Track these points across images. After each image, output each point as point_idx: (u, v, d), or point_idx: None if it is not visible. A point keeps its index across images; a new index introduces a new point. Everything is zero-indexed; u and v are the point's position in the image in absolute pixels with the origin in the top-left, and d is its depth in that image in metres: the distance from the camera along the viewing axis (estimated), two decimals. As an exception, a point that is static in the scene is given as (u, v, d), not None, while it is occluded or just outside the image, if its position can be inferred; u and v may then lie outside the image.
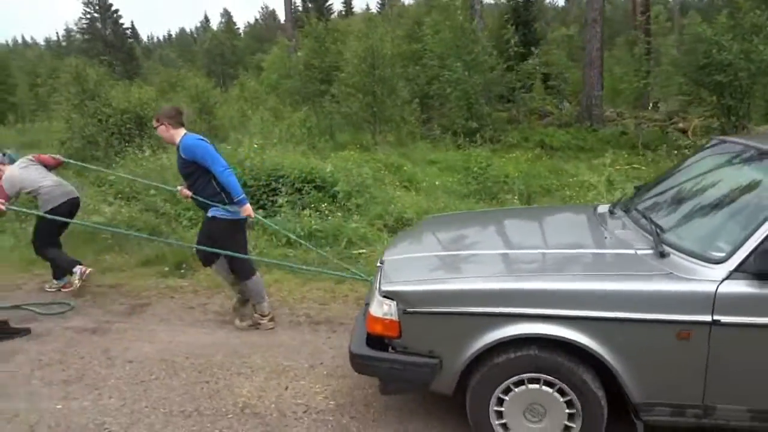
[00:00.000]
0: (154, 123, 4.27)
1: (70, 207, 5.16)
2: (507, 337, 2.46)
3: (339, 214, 7.07)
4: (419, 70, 14.08)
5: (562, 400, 2.52)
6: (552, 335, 2.42)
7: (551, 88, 15.72)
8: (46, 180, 5.09)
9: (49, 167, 5.31)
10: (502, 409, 2.60)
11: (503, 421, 2.61)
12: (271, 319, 4.45)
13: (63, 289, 5.39)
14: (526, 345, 2.50)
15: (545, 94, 15.47)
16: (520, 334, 2.45)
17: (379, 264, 3.17)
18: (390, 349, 2.72)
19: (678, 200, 3.05)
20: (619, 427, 2.65)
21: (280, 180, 7.79)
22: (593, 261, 2.78)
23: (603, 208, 3.49)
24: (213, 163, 3.99)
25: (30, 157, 5.27)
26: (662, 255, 2.48)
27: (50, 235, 5.19)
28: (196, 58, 60.30)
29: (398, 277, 2.80)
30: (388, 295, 2.65)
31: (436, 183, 8.82)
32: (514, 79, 13.70)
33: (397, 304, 2.61)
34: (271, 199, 7.67)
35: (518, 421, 2.61)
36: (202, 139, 4.11)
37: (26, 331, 4.45)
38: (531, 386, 2.54)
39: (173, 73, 19.91)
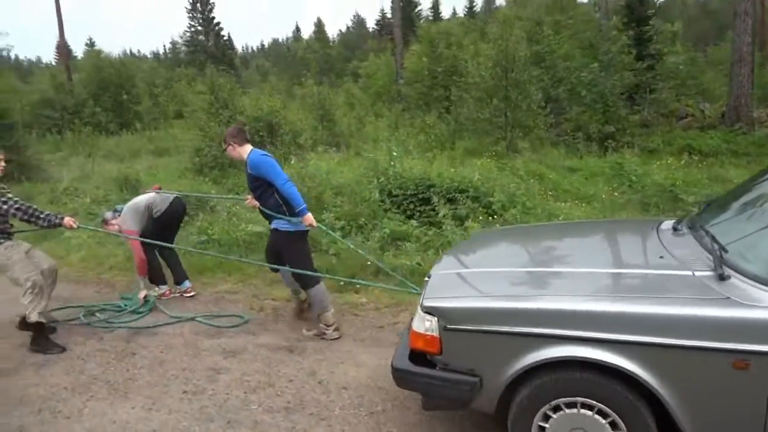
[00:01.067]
0: (224, 146, 4.55)
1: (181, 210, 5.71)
2: (548, 359, 2.38)
3: (499, 226, 6.67)
4: (543, 72, 13.40)
5: (605, 422, 2.37)
6: (595, 359, 2.30)
7: (687, 87, 14.54)
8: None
9: None
10: (546, 425, 2.49)
11: None
12: (336, 329, 4.47)
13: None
14: (572, 368, 2.39)
15: (679, 95, 14.30)
16: (563, 357, 2.36)
17: (426, 279, 3.12)
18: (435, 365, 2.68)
19: (747, 217, 2.78)
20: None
21: (431, 189, 7.49)
22: (644, 282, 2.57)
23: (667, 225, 3.21)
24: (276, 177, 4.20)
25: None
26: (722, 278, 2.31)
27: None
28: (290, 67, 62.08)
29: (440, 293, 2.79)
30: (429, 311, 2.63)
31: (591, 192, 8.20)
32: (651, 78, 12.73)
33: (438, 320, 2.59)
34: (422, 209, 7.39)
35: None
36: (266, 155, 4.36)
37: (62, 349, 4.51)
38: (577, 410, 2.41)
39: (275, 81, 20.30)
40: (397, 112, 14.46)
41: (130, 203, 5.48)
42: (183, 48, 66.70)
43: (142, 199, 5.48)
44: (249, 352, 4.33)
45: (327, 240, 6.09)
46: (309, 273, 4.36)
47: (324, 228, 5.17)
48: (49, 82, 22.55)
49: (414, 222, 7.09)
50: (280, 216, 4.31)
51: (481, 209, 7.14)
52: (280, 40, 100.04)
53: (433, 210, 7.32)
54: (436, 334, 2.60)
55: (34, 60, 79.95)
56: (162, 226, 5.47)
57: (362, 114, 15.80)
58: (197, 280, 6.01)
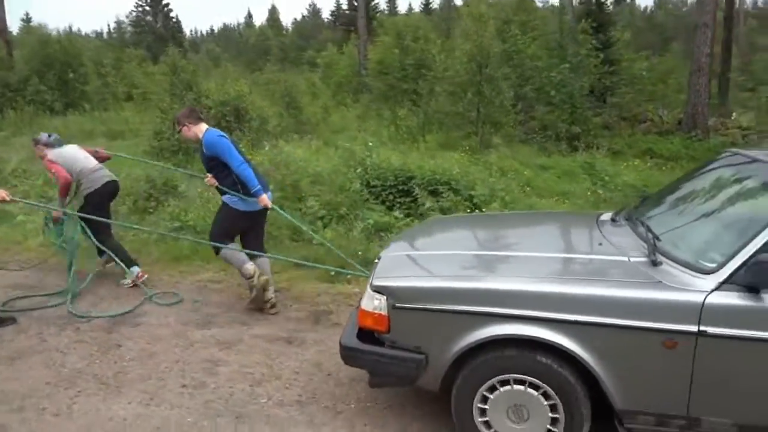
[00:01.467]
0: (177, 127, 4.56)
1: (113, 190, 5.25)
2: (490, 336, 2.48)
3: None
4: (511, 71, 13.54)
5: (545, 403, 2.51)
6: (534, 337, 2.43)
7: (646, 93, 15.01)
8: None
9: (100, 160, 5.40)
10: (486, 407, 2.61)
11: (486, 419, 2.62)
12: (260, 276, 4.43)
13: None
14: (510, 346, 2.52)
15: (640, 100, 14.75)
16: (503, 335, 2.47)
17: (376, 261, 3.22)
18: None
19: (679, 210, 3.03)
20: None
21: (412, 181, 7.39)
22: (582, 266, 2.77)
23: (606, 216, 3.39)
24: (231, 159, 4.28)
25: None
26: (654, 263, 2.47)
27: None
28: (242, 53, 60.69)
29: (389, 272, 2.88)
30: (378, 290, 2.71)
31: (568, 189, 8.30)
32: (614, 82, 13.06)
33: (387, 299, 2.65)
34: (402, 200, 7.29)
35: (501, 421, 2.61)
36: (222, 136, 4.41)
37: (12, 321, 4.42)
38: (515, 387, 2.54)
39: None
40: (365, 103, 14.27)
41: (68, 151, 5.15)
42: (129, 28, 64.23)
43: (79, 159, 5.10)
44: (245, 343, 4.09)
45: (306, 230, 5.84)
46: (214, 244, 4.47)
47: (277, 209, 5.00)
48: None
49: (397, 213, 6.97)
50: (234, 193, 4.39)
51: (463, 202, 7.10)
52: (231, 26, 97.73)
53: (414, 201, 7.24)
54: (384, 312, 2.68)
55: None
56: (92, 207, 5.02)
57: (328, 104, 15.53)
58: (174, 269, 5.70)
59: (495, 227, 3.79)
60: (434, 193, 7.24)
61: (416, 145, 10.97)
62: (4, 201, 4.39)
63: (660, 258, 2.49)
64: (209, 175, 4.56)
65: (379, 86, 15.17)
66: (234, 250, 4.51)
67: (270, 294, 4.55)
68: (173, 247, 6.14)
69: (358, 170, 8.00)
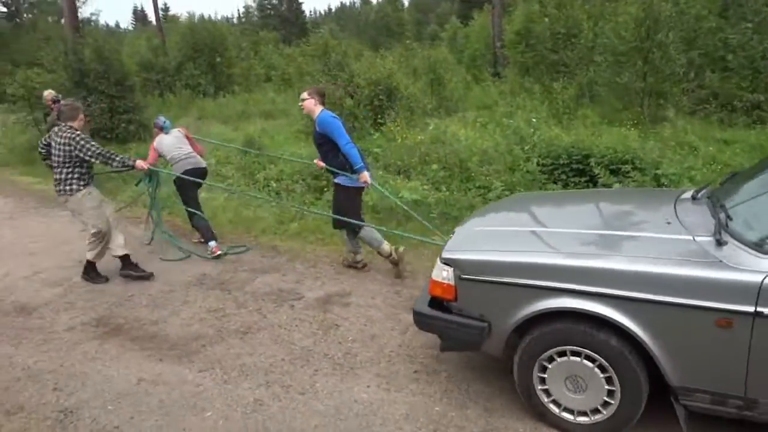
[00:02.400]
0: (305, 95, 4.89)
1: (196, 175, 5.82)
2: (546, 309, 2.62)
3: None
4: (675, 35, 12.34)
5: (602, 375, 2.61)
6: (588, 311, 2.52)
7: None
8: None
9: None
10: (545, 376, 2.76)
11: (545, 387, 2.78)
12: (397, 250, 4.94)
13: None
14: (567, 319, 2.62)
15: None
16: (559, 308, 2.59)
17: (451, 234, 3.40)
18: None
19: (761, 191, 2.78)
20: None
21: (590, 159, 6.94)
22: (644, 244, 2.70)
23: (687, 194, 3.33)
24: (339, 137, 4.66)
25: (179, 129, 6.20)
26: (719, 243, 2.44)
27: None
28: (362, 31, 61.27)
29: (458, 246, 3.07)
30: (446, 262, 2.92)
31: None
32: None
33: (454, 270, 2.87)
34: (576, 179, 6.88)
35: (560, 390, 2.75)
36: (334, 117, 4.79)
37: (105, 279, 5.19)
38: (573, 358, 2.65)
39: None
40: (511, 77, 13.75)
41: (166, 140, 5.91)
42: (256, 12, 67.15)
43: (172, 149, 5.85)
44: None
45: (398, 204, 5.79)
46: (354, 222, 4.84)
47: (375, 185, 5.38)
48: (146, 45, 22.90)
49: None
50: (343, 173, 4.79)
51: (650, 182, 6.56)
52: (348, 5, 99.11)
53: (591, 180, 6.82)
54: (452, 282, 2.90)
55: (112, 25, 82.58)
56: (178, 186, 5.92)
57: (469, 79, 15.18)
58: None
59: (569, 204, 3.87)
60: (615, 172, 6.77)
61: (572, 121, 10.37)
62: (143, 169, 5.26)
63: (726, 238, 2.46)
64: (317, 159, 5.15)
65: (520, 58, 14.53)
66: (372, 232, 4.93)
67: (360, 257, 5.20)
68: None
69: (526, 148, 7.69)
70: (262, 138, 10.51)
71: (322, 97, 4.93)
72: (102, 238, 5.11)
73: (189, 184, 5.79)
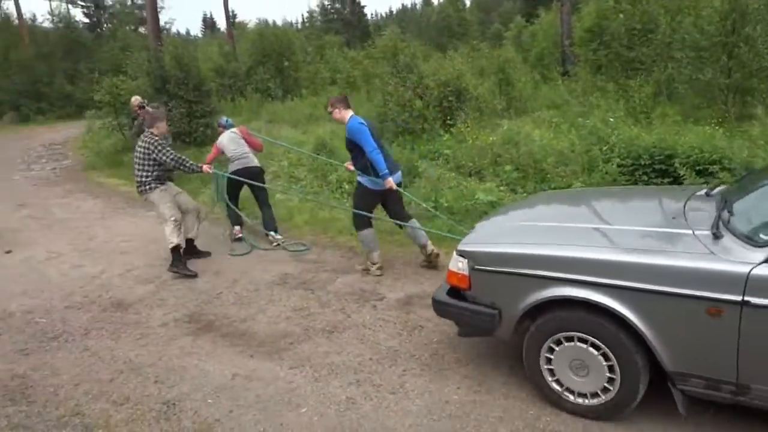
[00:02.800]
0: (329, 108, 5.15)
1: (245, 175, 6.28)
2: (548, 297, 2.82)
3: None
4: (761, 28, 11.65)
5: (604, 363, 2.77)
6: (586, 299, 2.70)
7: None
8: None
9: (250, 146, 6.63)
10: (552, 357, 2.95)
11: (551, 367, 2.97)
12: (379, 268, 5.21)
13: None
14: (572, 306, 2.80)
15: None
16: (560, 296, 2.78)
17: (471, 229, 3.71)
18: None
19: (760, 188, 2.98)
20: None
21: (673, 159, 6.67)
22: (644, 237, 2.82)
23: (702, 191, 3.44)
24: (365, 144, 4.84)
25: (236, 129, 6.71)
26: (716, 236, 2.56)
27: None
28: (423, 32, 61.15)
29: (473, 240, 3.34)
30: (462, 254, 3.17)
31: None
32: None
33: (468, 262, 3.11)
34: (658, 181, 6.61)
35: (564, 372, 2.93)
36: (362, 123, 4.94)
37: (195, 274, 5.53)
38: (577, 344, 2.83)
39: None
40: (583, 76, 13.38)
41: (225, 139, 6.51)
42: (319, 17, 68.28)
43: (228, 148, 6.46)
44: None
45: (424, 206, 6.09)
46: (361, 213, 5.12)
47: (400, 190, 5.29)
48: (218, 51, 23.72)
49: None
50: (365, 175, 5.01)
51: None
52: (409, 7, 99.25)
53: (675, 181, 6.54)
54: (466, 273, 3.14)
55: (183, 32, 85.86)
56: (229, 182, 6.36)
57: (536, 77, 14.88)
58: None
59: (588, 200, 3.90)
60: (701, 173, 6.47)
61: (650, 120, 9.97)
62: (207, 173, 5.90)
63: (723, 232, 2.58)
64: (348, 163, 5.37)
65: (591, 56, 14.08)
66: (372, 236, 5.21)
67: (430, 248, 5.27)
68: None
69: (604, 148, 7.47)
70: (333, 140, 10.63)
71: (345, 103, 5.12)
72: (178, 225, 5.64)
73: (236, 182, 6.32)
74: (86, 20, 38.51)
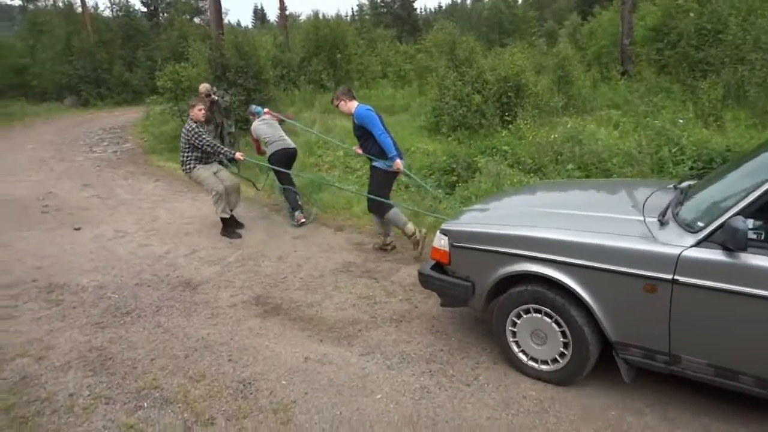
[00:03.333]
0: (334, 102, 5.53)
1: (281, 158, 6.73)
2: (515, 272, 3.21)
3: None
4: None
5: (557, 330, 3.14)
6: (542, 274, 3.07)
7: None
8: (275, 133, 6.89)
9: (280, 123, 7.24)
10: (515, 330, 3.35)
11: (516, 339, 3.36)
12: (415, 234, 5.42)
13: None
14: (531, 281, 3.19)
15: None
16: (524, 271, 3.17)
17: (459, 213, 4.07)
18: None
19: (717, 181, 3.20)
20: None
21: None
22: (599, 221, 3.11)
23: (671, 183, 3.69)
24: (374, 128, 5.22)
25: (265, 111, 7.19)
26: (662, 223, 2.87)
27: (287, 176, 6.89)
28: (473, 27, 60.47)
29: (454, 220, 3.77)
30: (443, 232, 3.60)
31: None
32: None
33: (449, 239, 3.54)
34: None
35: (526, 341, 3.31)
36: (369, 110, 5.35)
37: (239, 236, 6.36)
38: (535, 315, 3.23)
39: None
40: (648, 76, 12.96)
41: (258, 124, 6.92)
42: (368, 11, 68.31)
43: (262, 132, 6.84)
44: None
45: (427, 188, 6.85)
46: (382, 200, 5.42)
47: (407, 172, 5.88)
48: (272, 42, 23.98)
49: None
50: (377, 159, 5.37)
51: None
52: (458, 1, 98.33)
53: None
54: (446, 249, 3.54)
55: (234, 23, 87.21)
56: (272, 165, 6.75)
57: (595, 76, 14.50)
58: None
59: (569, 189, 4.47)
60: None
61: (719, 122, 9.60)
62: (240, 161, 6.33)
63: (669, 220, 2.87)
64: (356, 146, 5.76)
65: (654, 56, 13.64)
66: (398, 213, 5.47)
67: (390, 239, 5.72)
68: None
69: (674, 150, 7.22)
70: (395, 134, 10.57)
71: (350, 95, 5.52)
72: (220, 197, 6.26)
73: (279, 164, 6.70)
74: (144, 9, 39.57)
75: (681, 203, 3.03)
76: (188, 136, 6.15)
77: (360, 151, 5.66)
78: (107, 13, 37.82)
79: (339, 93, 5.54)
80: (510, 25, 57.61)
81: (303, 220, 6.75)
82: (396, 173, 5.46)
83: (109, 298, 4.83)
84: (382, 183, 5.48)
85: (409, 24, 58.74)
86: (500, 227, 3.37)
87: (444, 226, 3.66)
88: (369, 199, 5.51)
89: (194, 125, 6.16)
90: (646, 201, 3.33)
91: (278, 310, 4.46)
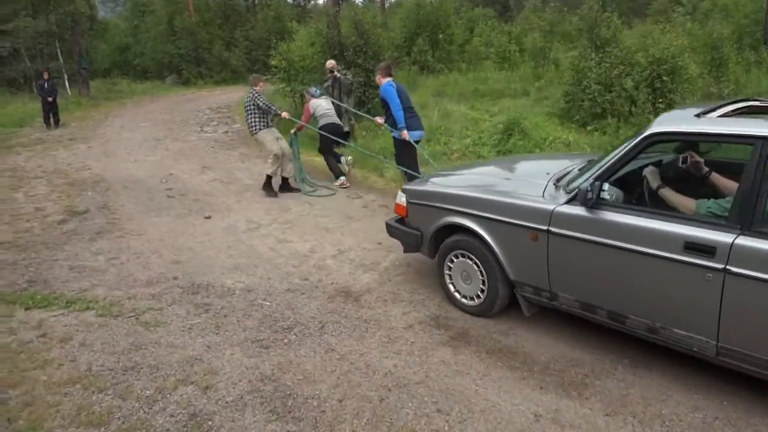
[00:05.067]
0: (379, 76, 6.55)
1: (331, 129, 7.59)
2: (446, 223, 3.91)
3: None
4: None
5: (478, 271, 3.80)
6: (464, 225, 3.75)
7: None
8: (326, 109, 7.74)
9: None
10: (450, 273, 4.05)
11: (451, 281, 4.06)
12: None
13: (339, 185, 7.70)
14: (457, 231, 3.90)
15: None
16: (452, 223, 3.86)
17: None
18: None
19: (604, 157, 3.42)
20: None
21: None
22: (514, 184, 3.87)
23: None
24: (390, 101, 6.26)
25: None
26: (556, 186, 3.47)
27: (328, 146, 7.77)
28: (569, 5, 57.17)
29: (413, 182, 4.70)
30: (403, 191, 4.37)
31: None
32: None
33: (406, 196, 4.29)
34: None
35: (458, 281, 4.01)
36: (391, 85, 6.32)
37: (276, 194, 7.35)
38: (462, 259, 3.91)
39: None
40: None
41: (316, 101, 7.76)
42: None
43: (318, 107, 7.68)
44: None
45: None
46: (408, 171, 6.37)
47: (412, 142, 6.42)
48: (371, 22, 23.24)
49: None
50: (393, 130, 6.36)
51: None
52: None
53: None
54: (404, 204, 4.31)
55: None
56: (321, 135, 7.60)
57: (749, 59, 12.76)
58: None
59: (518, 161, 5.16)
60: None
61: None
62: (285, 118, 7.40)
63: (561, 183, 3.47)
64: (377, 117, 6.83)
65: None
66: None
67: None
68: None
69: None
70: (524, 121, 9.53)
71: (387, 70, 6.47)
72: (277, 160, 7.25)
73: (325, 137, 7.56)
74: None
75: (580, 171, 3.47)
76: (252, 99, 7.25)
77: (380, 121, 6.66)
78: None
79: (379, 67, 6.61)
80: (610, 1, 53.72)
81: (347, 184, 7.64)
82: (408, 143, 6.33)
83: (261, 307, 4.22)
84: (406, 152, 6.47)
85: (499, 4, 56.47)
86: (439, 187, 4.08)
87: (404, 185, 4.49)
88: (404, 174, 6.52)
89: (257, 90, 7.32)
90: (564, 170, 3.76)
91: (467, 338, 3.67)
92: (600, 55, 9.69)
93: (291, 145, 7.61)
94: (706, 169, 3.34)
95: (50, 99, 13.64)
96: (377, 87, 11.59)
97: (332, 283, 4.61)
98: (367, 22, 11.63)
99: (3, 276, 4.95)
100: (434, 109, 11.82)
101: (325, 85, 9.05)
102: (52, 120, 13.81)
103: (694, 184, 3.28)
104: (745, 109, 3.17)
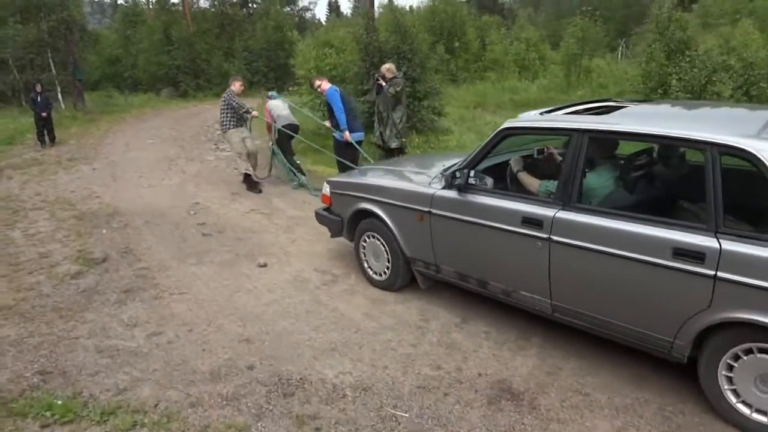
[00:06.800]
0: (316, 83, 7.58)
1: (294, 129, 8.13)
2: (356, 209, 4.43)
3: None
4: None
5: (384, 250, 4.32)
6: (369, 209, 4.29)
7: None
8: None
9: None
10: (365, 252, 4.55)
11: (366, 259, 4.56)
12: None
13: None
14: (369, 215, 4.35)
15: None
16: (361, 208, 4.37)
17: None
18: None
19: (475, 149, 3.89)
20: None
21: None
22: (410, 175, 4.31)
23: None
24: (334, 105, 7.11)
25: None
26: (443, 176, 3.84)
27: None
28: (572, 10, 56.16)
29: (339, 175, 5.60)
30: (328, 183, 4.87)
31: None
32: None
33: (330, 187, 4.80)
34: None
35: (370, 259, 4.51)
36: (335, 90, 7.23)
37: (259, 191, 7.91)
38: (371, 240, 4.42)
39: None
40: None
41: (273, 103, 8.23)
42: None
43: (278, 108, 8.14)
44: None
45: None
46: (346, 162, 7.24)
47: (354, 143, 7.26)
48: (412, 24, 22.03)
49: None
50: (335, 131, 7.38)
51: None
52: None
53: None
54: (329, 194, 4.81)
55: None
56: (280, 137, 7.99)
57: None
58: None
59: (434, 157, 6.06)
60: None
61: None
62: (255, 117, 7.81)
63: (446, 174, 3.77)
64: (326, 121, 7.86)
65: None
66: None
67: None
68: None
69: None
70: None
71: (325, 78, 7.61)
72: (243, 157, 7.77)
73: (284, 135, 7.96)
74: (235, -1, 38.48)
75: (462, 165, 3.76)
76: (226, 100, 7.57)
77: (328, 124, 7.51)
78: (202, 3, 36.90)
79: (318, 78, 7.61)
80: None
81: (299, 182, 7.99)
82: (349, 143, 7.18)
83: (396, 421, 2.87)
84: (343, 150, 7.30)
85: (495, 12, 55.67)
86: (353, 178, 4.64)
87: (329, 178, 5.06)
88: (338, 163, 7.52)
89: (232, 91, 7.59)
90: (455, 162, 4.07)
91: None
92: (687, 60, 8.43)
93: (273, 154, 8.22)
94: (560, 158, 3.87)
95: (44, 114, 12.17)
96: (423, 97, 10.44)
97: (480, 375, 3.26)
98: (412, 25, 10.32)
99: (3, 363, 3.56)
100: (480, 122, 10.58)
101: (374, 86, 8.04)
102: (47, 137, 12.32)
103: (553, 172, 3.69)
104: (603, 109, 3.50)
